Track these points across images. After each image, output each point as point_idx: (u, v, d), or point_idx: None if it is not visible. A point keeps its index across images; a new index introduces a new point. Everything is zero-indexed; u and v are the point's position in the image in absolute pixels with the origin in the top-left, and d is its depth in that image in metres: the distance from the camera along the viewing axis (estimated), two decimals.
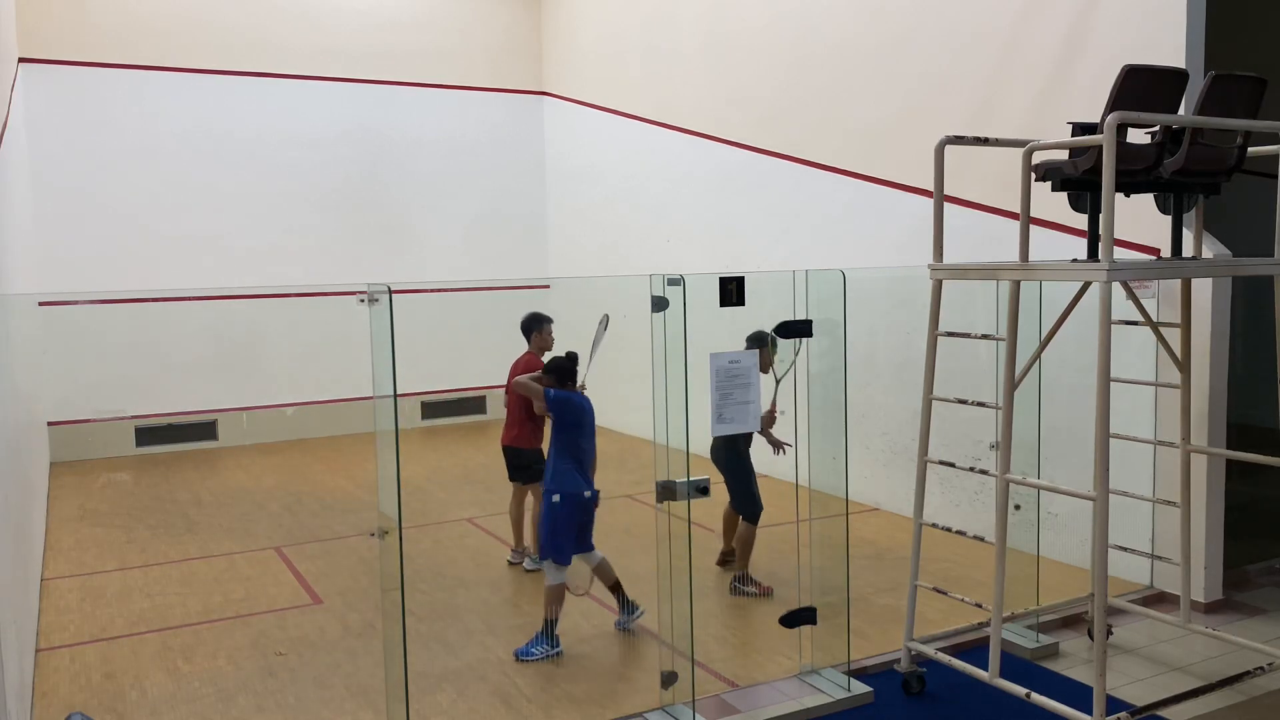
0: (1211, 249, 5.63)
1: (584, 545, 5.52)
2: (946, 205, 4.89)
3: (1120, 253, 5.22)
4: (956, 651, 5.10)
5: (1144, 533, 6.06)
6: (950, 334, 4.93)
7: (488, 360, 13.01)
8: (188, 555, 7.35)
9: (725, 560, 6.67)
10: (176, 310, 11.24)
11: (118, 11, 11.10)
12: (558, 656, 5.27)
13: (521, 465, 6.77)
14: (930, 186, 4.86)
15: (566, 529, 5.38)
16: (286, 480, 9.81)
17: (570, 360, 5.71)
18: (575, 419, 5.50)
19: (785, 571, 6.48)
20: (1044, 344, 4.78)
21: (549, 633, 5.29)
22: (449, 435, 12.04)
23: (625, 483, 8.94)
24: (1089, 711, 4.12)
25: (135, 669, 5.27)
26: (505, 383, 6.67)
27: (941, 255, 4.83)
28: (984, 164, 6.59)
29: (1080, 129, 4.46)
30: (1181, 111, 4.64)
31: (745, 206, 9.68)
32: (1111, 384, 4.11)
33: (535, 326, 6.76)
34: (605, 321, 6.65)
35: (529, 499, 6.82)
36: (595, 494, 5.53)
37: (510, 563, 6.94)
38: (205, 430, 11.53)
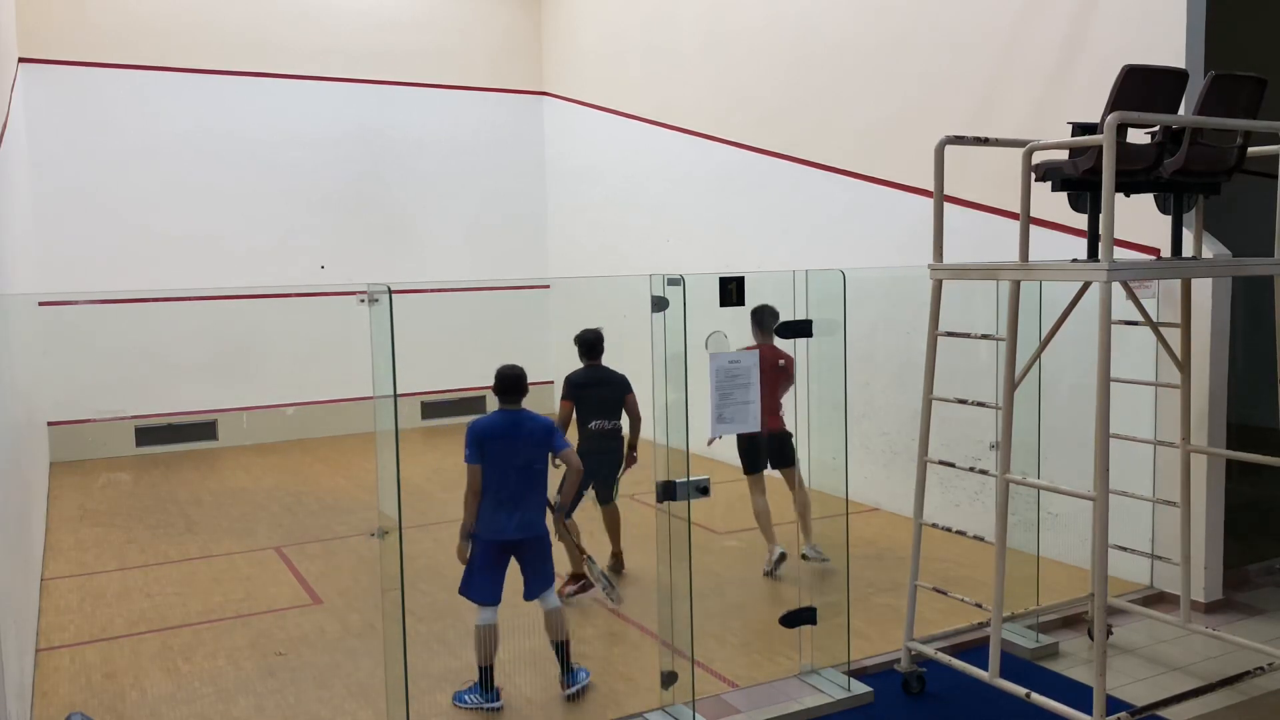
0: (1211, 249, 5.63)
1: (531, 589, 4.86)
2: (946, 205, 4.89)
3: (1120, 253, 5.21)
4: (956, 651, 5.10)
5: (1144, 533, 6.06)
6: (950, 334, 4.93)
7: (488, 360, 13.00)
8: (188, 555, 7.35)
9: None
10: (176, 310, 11.23)
11: (118, 11, 11.10)
12: (496, 711, 4.69)
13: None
14: (930, 186, 4.86)
15: (481, 566, 4.76)
16: (286, 480, 9.81)
17: (511, 373, 4.89)
18: (491, 451, 4.75)
19: (785, 571, 6.48)
20: (1044, 344, 4.77)
21: (484, 682, 4.68)
22: (449, 435, 12.02)
23: (625, 483, 8.93)
24: (1089, 711, 4.12)
25: (135, 669, 5.27)
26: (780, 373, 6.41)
27: (941, 255, 4.83)
28: (984, 164, 6.59)
29: (1080, 129, 4.45)
30: (1181, 111, 4.63)
31: (745, 206, 9.68)
32: (1111, 384, 4.11)
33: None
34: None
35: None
36: (524, 538, 4.79)
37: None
38: (205, 430, 11.53)
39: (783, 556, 6.46)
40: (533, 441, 4.83)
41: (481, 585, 4.75)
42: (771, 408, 6.29)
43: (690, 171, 10.46)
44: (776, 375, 6.31)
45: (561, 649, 4.85)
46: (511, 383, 4.86)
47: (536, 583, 4.85)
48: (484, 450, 4.74)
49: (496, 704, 4.70)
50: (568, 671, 4.84)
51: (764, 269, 8.44)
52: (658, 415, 4.63)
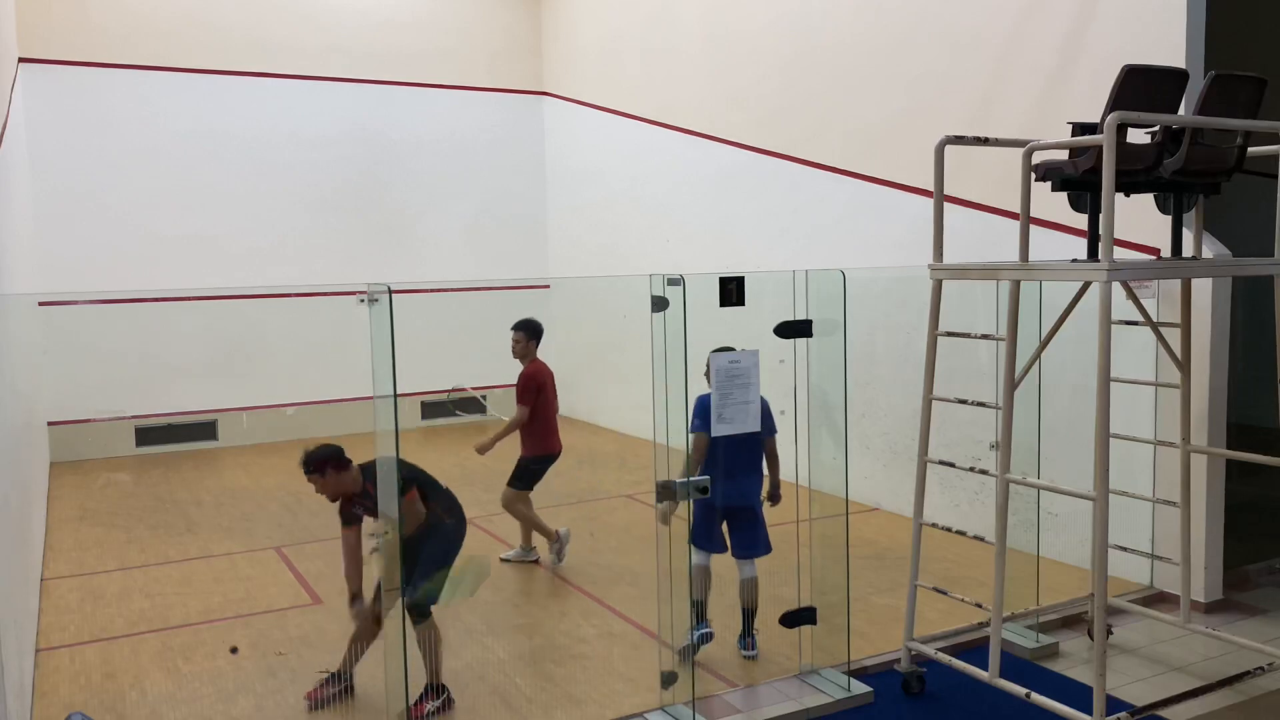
0: (1211, 249, 5.63)
1: (739, 549, 5.33)
2: (946, 205, 4.89)
3: (1120, 253, 5.22)
4: (956, 651, 5.10)
5: (1144, 533, 6.06)
6: (950, 334, 4.93)
7: (488, 360, 13.05)
8: (188, 555, 7.35)
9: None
10: (176, 310, 11.24)
11: (118, 11, 11.10)
12: (709, 639, 5.20)
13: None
14: (930, 186, 4.86)
15: (701, 520, 5.18)
16: (286, 480, 9.79)
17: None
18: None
19: (785, 571, 6.47)
20: (1044, 344, 4.78)
21: (697, 613, 5.14)
22: (449, 435, 12.02)
23: (625, 482, 8.95)
24: (1089, 711, 4.12)
25: (135, 669, 5.27)
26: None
27: (941, 255, 4.83)
28: (984, 164, 6.59)
29: (1080, 129, 4.46)
30: (1181, 111, 4.63)
31: (745, 207, 9.68)
32: (1111, 384, 4.11)
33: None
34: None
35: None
36: (734, 505, 5.27)
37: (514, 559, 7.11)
38: (205, 430, 11.53)
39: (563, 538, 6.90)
40: None
41: (700, 536, 5.19)
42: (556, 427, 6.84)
43: (690, 172, 10.46)
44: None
45: (747, 615, 5.32)
46: None
47: (744, 547, 5.30)
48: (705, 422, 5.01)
49: (706, 629, 5.16)
50: (749, 635, 5.31)
51: (764, 269, 8.44)
52: (657, 415, 4.63)
